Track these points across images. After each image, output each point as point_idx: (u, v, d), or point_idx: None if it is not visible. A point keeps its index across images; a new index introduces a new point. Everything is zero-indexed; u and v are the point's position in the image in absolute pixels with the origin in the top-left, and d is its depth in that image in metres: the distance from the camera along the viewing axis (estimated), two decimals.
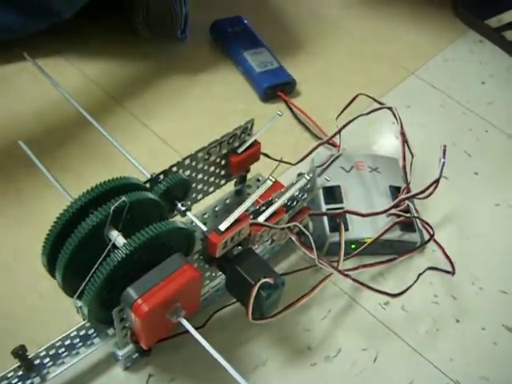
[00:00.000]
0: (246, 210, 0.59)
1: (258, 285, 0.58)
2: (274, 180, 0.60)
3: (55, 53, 1.05)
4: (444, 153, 0.76)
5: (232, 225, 0.58)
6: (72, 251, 0.55)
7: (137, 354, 0.67)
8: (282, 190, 0.64)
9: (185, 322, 0.56)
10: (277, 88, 1.01)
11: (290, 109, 1.00)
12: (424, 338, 0.74)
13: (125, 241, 0.54)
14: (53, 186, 0.64)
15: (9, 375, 0.59)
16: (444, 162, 0.75)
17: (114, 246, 0.55)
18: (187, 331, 0.56)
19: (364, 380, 0.70)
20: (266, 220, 0.62)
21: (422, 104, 1.06)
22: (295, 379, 0.69)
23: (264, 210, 0.63)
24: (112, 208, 0.54)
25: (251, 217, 0.61)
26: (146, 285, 0.54)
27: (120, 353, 0.64)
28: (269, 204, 0.63)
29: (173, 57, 1.08)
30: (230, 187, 0.78)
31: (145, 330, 0.55)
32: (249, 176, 0.78)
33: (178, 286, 0.54)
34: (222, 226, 0.57)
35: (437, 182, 0.76)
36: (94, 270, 0.54)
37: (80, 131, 0.89)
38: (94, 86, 1.00)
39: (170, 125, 0.95)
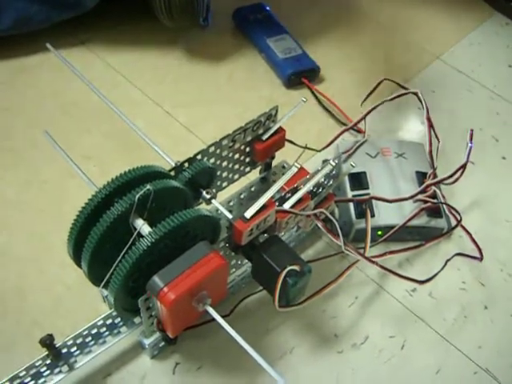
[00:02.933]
0: (272, 197, 0.59)
1: (284, 272, 0.57)
2: (299, 166, 0.60)
3: (78, 43, 1.05)
4: (471, 137, 0.75)
5: (258, 212, 0.57)
6: (98, 240, 0.55)
7: (163, 343, 0.67)
8: (308, 177, 0.63)
9: (211, 310, 0.56)
10: (301, 74, 1.00)
11: (314, 95, 0.99)
12: (452, 325, 0.73)
13: (150, 229, 0.54)
14: (77, 175, 0.64)
15: (37, 364, 0.60)
16: (471, 147, 0.75)
17: (140, 235, 0.55)
18: (213, 319, 0.56)
19: (392, 367, 0.69)
20: (291, 207, 0.62)
21: (447, 89, 1.05)
22: (322, 366, 0.68)
23: (290, 197, 0.62)
24: (137, 196, 0.54)
25: (277, 204, 0.61)
26: (172, 273, 0.54)
27: (147, 341, 0.64)
28: (294, 191, 0.62)
29: (195, 44, 1.08)
30: (254, 174, 0.78)
31: (171, 319, 0.55)
32: (274, 163, 0.78)
33: (205, 274, 0.54)
34: (248, 213, 0.57)
35: (464, 166, 0.75)
36: (119, 258, 0.54)
37: (104, 121, 0.89)
38: (117, 75, 1.00)
39: (193, 113, 0.95)
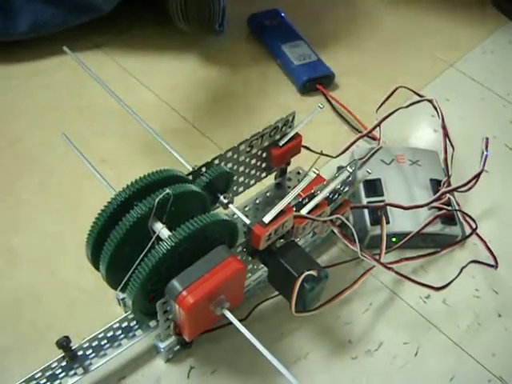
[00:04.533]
0: (289, 203, 0.59)
1: (301, 277, 0.57)
2: (317, 172, 0.60)
3: (94, 47, 1.06)
4: (486, 145, 0.75)
5: (276, 217, 0.58)
6: (117, 243, 0.55)
7: (178, 346, 0.67)
8: (324, 183, 0.63)
9: (229, 315, 0.56)
10: (316, 81, 1.00)
11: (329, 102, 0.99)
12: (466, 333, 0.73)
13: (169, 233, 0.54)
14: (92, 178, 0.64)
15: (53, 365, 0.60)
16: (487, 155, 0.75)
17: (159, 238, 0.55)
18: (230, 323, 0.56)
19: (405, 374, 0.69)
20: (308, 212, 0.62)
21: (461, 97, 1.05)
22: (336, 372, 0.68)
23: (307, 203, 0.62)
24: (156, 200, 0.54)
25: (294, 209, 0.61)
26: (191, 277, 0.54)
27: (162, 345, 0.65)
28: (311, 197, 0.63)
29: (210, 50, 1.08)
30: (269, 180, 0.78)
31: (189, 322, 0.56)
32: (289, 169, 0.78)
33: (223, 278, 0.54)
34: (266, 218, 0.57)
35: (479, 175, 0.75)
36: (138, 261, 0.54)
37: (120, 124, 0.90)
38: (132, 79, 1.01)
39: (209, 118, 0.95)
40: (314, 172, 0.60)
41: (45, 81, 0.99)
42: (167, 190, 0.55)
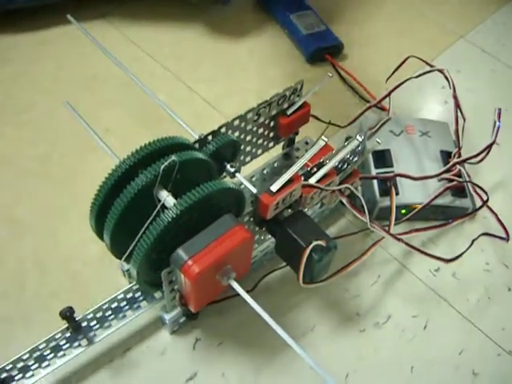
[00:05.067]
0: (297, 172, 0.58)
1: (309, 247, 0.56)
2: (326, 140, 0.59)
3: (99, 16, 1.05)
4: (499, 116, 0.74)
5: (284, 186, 0.56)
6: (121, 211, 0.54)
7: (184, 318, 0.66)
8: (334, 152, 0.62)
9: (235, 285, 0.55)
10: (324, 51, 0.99)
11: (338, 72, 0.98)
12: (475, 307, 0.72)
13: (175, 201, 0.53)
14: (97, 149, 0.63)
15: (57, 336, 0.59)
16: (499, 126, 0.73)
17: (164, 207, 0.54)
18: (236, 295, 0.55)
19: (414, 347, 0.68)
20: (317, 182, 0.61)
21: (471, 68, 1.03)
22: (344, 345, 0.68)
23: (315, 172, 0.61)
24: (162, 167, 0.53)
25: (302, 178, 0.59)
26: (197, 246, 0.53)
27: (167, 316, 0.64)
28: (320, 166, 0.61)
29: (217, 20, 1.07)
30: (277, 151, 0.77)
31: (194, 292, 0.55)
32: (297, 139, 0.76)
33: (230, 247, 0.53)
34: (274, 187, 0.56)
35: (491, 145, 0.74)
36: (143, 230, 0.53)
37: (124, 93, 0.89)
38: (137, 49, 0.99)
39: (215, 88, 0.94)
40: (323, 140, 0.59)
41: (49, 50, 0.98)
42: (173, 157, 0.53)
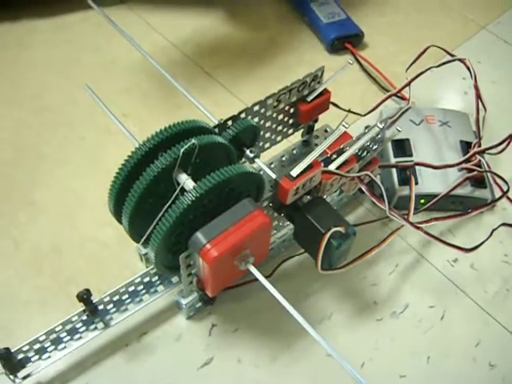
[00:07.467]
0: (317, 158, 0.57)
1: (328, 233, 0.56)
2: (347, 126, 0.58)
3: (118, 2, 1.04)
4: None
5: (304, 171, 0.56)
6: (140, 194, 0.54)
7: (200, 303, 0.66)
8: (354, 139, 0.62)
9: (253, 270, 0.55)
10: (344, 40, 0.98)
11: (358, 61, 0.97)
12: (493, 298, 0.71)
13: (194, 184, 0.53)
14: (115, 133, 0.63)
15: (73, 319, 0.60)
16: None
17: (183, 190, 0.54)
18: (253, 280, 0.55)
19: (431, 338, 0.68)
20: (337, 168, 0.60)
21: (492, 59, 1.02)
22: (361, 334, 0.68)
23: (335, 159, 0.61)
24: (182, 150, 0.53)
25: (322, 164, 0.59)
26: (216, 230, 0.52)
27: (184, 301, 0.64)
28: (340, 152, 0.61)
29: (236, 7, 1.06)
30: (296, 138, 0.76)
31: (212, 277, 0.54)
32: (316, 126, 0.76)
33: (249, 231, 0.53)
34: (294, 172, 0.55)
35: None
36: (162, 213, 0.53)
37: (144, 78, 0.89)
38: (158, 36, 0.99)
39: (234, 74, 0.94)
40: (344, 125, 0.58)
41: (69, 35, 0.98)
42: (193, 141, 0.53)
